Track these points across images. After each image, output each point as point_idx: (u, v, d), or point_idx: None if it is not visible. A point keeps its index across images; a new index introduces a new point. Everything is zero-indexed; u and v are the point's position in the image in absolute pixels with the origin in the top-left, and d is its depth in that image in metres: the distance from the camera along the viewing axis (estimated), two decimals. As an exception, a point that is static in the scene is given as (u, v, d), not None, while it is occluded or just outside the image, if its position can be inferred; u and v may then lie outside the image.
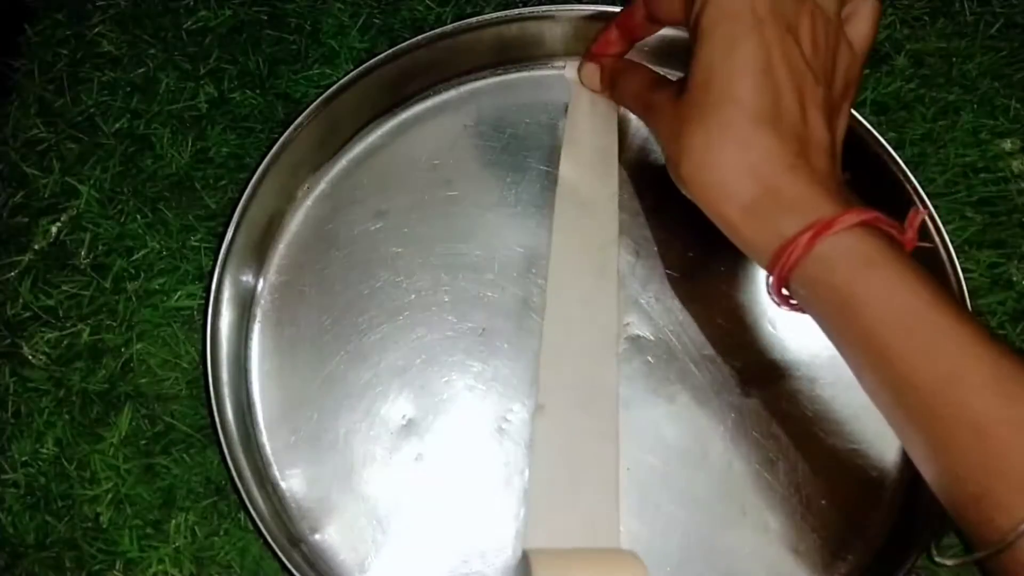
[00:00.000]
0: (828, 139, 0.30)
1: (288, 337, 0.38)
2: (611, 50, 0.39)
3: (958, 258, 0.36)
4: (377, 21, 0.44)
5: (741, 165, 0.29)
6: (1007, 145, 0.43)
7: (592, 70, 0.40)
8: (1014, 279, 0.40)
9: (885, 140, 0.38)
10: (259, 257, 0.39)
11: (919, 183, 0.38)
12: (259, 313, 0.39)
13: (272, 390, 0.38)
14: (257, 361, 0.38)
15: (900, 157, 0.38)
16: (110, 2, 0.45)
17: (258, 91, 0.43)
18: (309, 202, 0.41)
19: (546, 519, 0.34)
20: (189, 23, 0.45)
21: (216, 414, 0.35)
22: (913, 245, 0.29)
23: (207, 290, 0.36)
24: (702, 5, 0.31)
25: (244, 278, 0.39)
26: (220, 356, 0.36)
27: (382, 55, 0.39)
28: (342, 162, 0.41)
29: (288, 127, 0.38)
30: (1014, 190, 0.42)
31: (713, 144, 0.30)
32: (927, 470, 0.27)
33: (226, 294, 0.37)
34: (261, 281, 0.39)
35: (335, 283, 0.39)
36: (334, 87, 0.39)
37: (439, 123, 0.42)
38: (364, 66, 0.39)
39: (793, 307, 0.30)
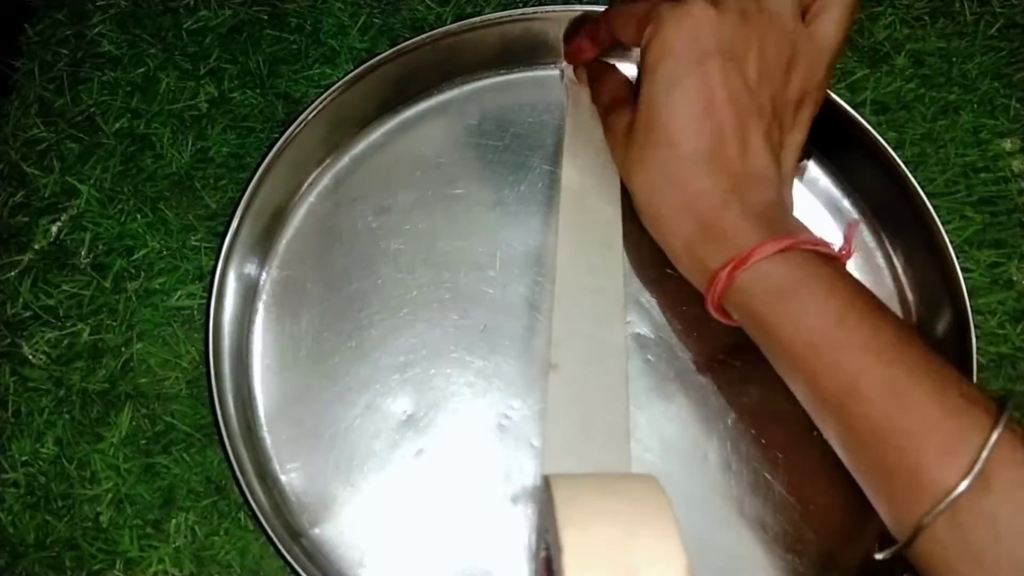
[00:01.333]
0: (770, 169, 0.31)
1: (290, 331, 0.38)
2: (585, 55, 0.40)
3: (958, 258, 0.36)
4: (377, 21, 0.44)
5: (678, 204, 0.31)
6: (1007, 145, 0.43)
7: (580, 71, 0.41)
8: (1014, 279, 0.40)
9: (885, 140, 0.38)
10: (262, 251, 0.39)
11: (919, 183, 0.38)
12: (261, 307, 0.39)
13: (273, 384, 0.38)
14: (258, 355, 0.38)
15: (900, 157, 0.38)
16: (110, 2, 0.45)
17: (258, 91, 0.43)
18: (312, 197, 0.41)
19: (559, 470, 0.34)
20: (189, 23, 0.45)
21: (218, 408, 0.35)
22: (848, 257, 0.32)
23: (209, 283, 0.36)
24: (648, 39, 0.31)
25: (247, 271, 0.39)
26: (222, 350, 0.36)
27: (387, 53, 0.39)
28: (346, 158, 0.41)
29: (291, 124, 0.38)
30: (1014, 190, 0.42)
31: (655, 184, 0.32)
32: (852, 473, 0.29)
33: (229, 287, 0.37)
34: (264, 275, 0.39)
35: (337, 278, 0.39)
36: (339, 83, 0.39)
37: (443, 121, 0.42)
38: (369, 63, 0.39)
39: (734, 324, 0.32)
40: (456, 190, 0.41)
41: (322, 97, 0.39)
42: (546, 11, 0.41)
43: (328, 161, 0.41)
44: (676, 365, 0.37)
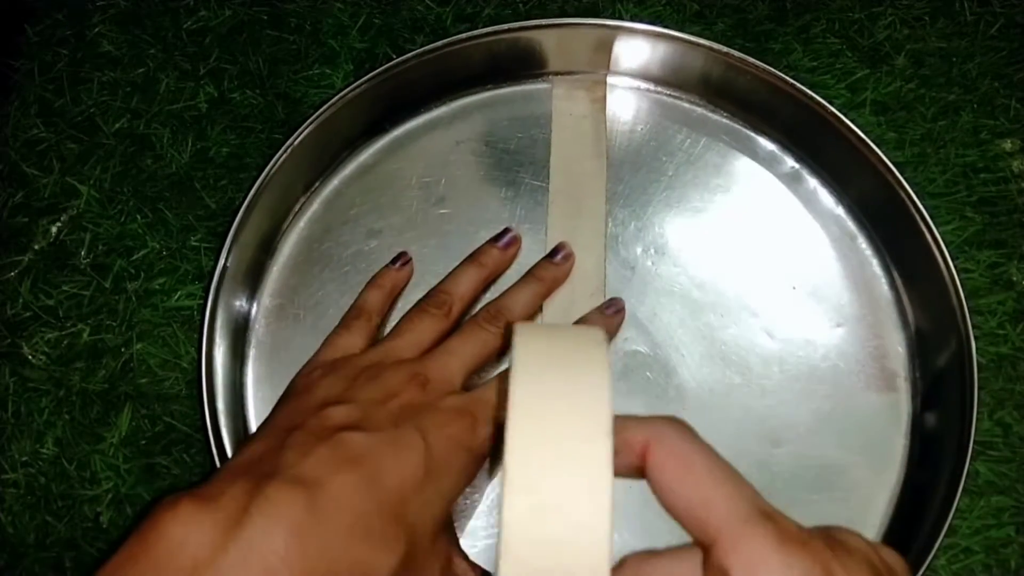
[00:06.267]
0: None
1: (284, 362, 0.38)
2: None
3: (958, 258, 0.36)
4: (377, 21, 0.44)
5: None
6: (1007, 145, 0.43)
7: None
8: (1014, 279, 0.40)
9: (885, 140, 0.38)
10: (252, 282, 0.39)
11: (919, 184, 0.38)
12: (253, 339, 0.38)
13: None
14: (252, 388, 0.38)
15: (895, 164, 0.37)
16: (110, 2, 0.45)
17: (258, 91, 0.43)
18: (301, 223, 0.40)
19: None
20: (189, 23, 0.45)
21: (213, 445, 0.34)
22: None
23: (200, 317, 0.36)
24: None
25: (238, 303, 0.38)
26: (215, 385, 0.36)
27: (372, 73, 0.39)
28: (334, 182, 0.41)
29: (278, 151, 0.38)
30: (1014, 190, 0.42)
31: None
32: None
33: (220, 320, 0.37)
34: (255, 305, 0.39)
35: (330, 306, 0.38)
36: (324, 107, 0.38)
37: (431, 140, 0.41)
38: (354, 84, 0.39)
39: None
40: (447, 210, 0.40)
41: (306, 122, 0.38)
42: (532, 24, 0.40)
43: (316, 186, 0.41)
44: (675, 381, 0.37)
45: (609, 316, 0.37)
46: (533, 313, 0.37)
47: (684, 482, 0.21)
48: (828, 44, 0.44)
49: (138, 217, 0.41)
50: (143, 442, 0.38)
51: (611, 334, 0.37)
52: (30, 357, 0.39)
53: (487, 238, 0.39)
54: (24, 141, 0.43)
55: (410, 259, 0.39)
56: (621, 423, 0.22)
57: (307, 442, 0.28)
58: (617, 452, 0.21)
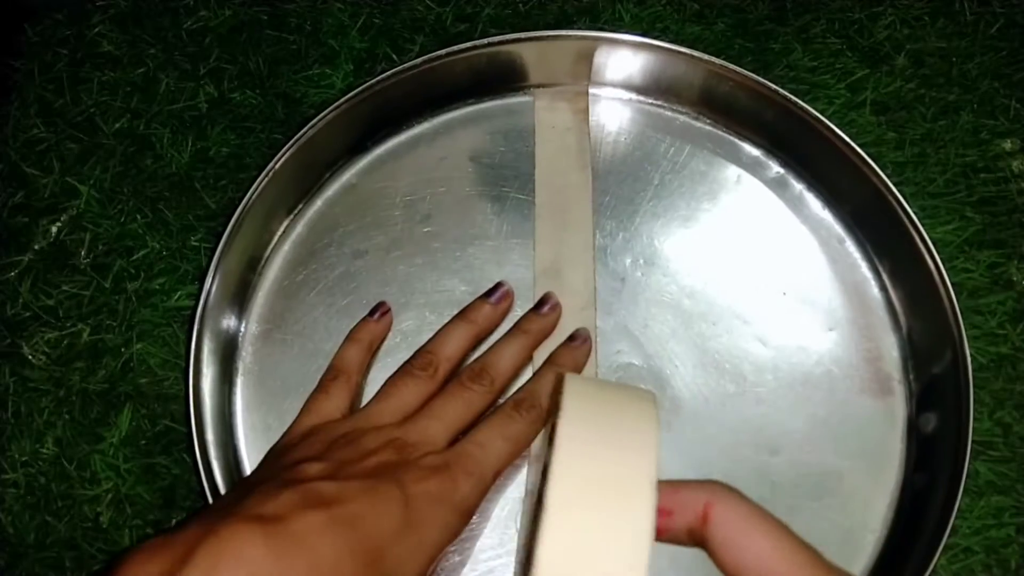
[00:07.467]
0: None
1: (273, 388, 0.37)
2: None
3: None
4: (377, 21, 0.44)
5: None
6: (1007, 145, 0.43)
7: None
8: (1014, 279, 0.40)
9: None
10: (238, 308, 0.39)
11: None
12: (241, 367, 0.38)
13: (259, 445, 0.36)
14: (242, 415, 0.37)
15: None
16: (110, 2, 0.45)
17: (258, 91, 0.43)
18: (286, 247, 0.40)
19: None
20: (189, 23, 0.45)
21: (203, 473, 0.34)
22: None
23: (187, 346, 0.36)
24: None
25: (225, 329, 0.38)
26: (204, 415, 0.36)
27: (352, 92, 0.39)
28: (317, 203, 0.40)
29: (260, 173, 0.37)
30: (1014, 190, 0.42)
31: None
32: None
33: (206, 350, 0.36)
34: (242, 331, 0.39)
35: (318, 329, 0.38)
36: (306, 127, 0.38)
37: (413, 157, 0.41)
38: (335, 104, 0.38)
39: None
40: (433, 228, 0.40)
41: (288, 144, 0.38)
42: (512, 37, 0.40)
43: (300, 207, 0.40)
44: (669, 393, 0.37)
45: (576, 348, 0.36)
46: (520, 368, 0.36)
47: (746, 541, 0.22)
48: (828, 44, 0.44)
49: (138, 217, 0.41)
50: (143, 442, 0.38)
51: (581, 365, 0.37)
52: (30, 357, 0.39)
53: (474, 255, 0.39)
54: (24, 141, 0.43)
55: (388, 310, 0.38)
56: (677, 485, 0.22)
57: (273, 488, 0.27)
58: (677, 512, 0.22)
